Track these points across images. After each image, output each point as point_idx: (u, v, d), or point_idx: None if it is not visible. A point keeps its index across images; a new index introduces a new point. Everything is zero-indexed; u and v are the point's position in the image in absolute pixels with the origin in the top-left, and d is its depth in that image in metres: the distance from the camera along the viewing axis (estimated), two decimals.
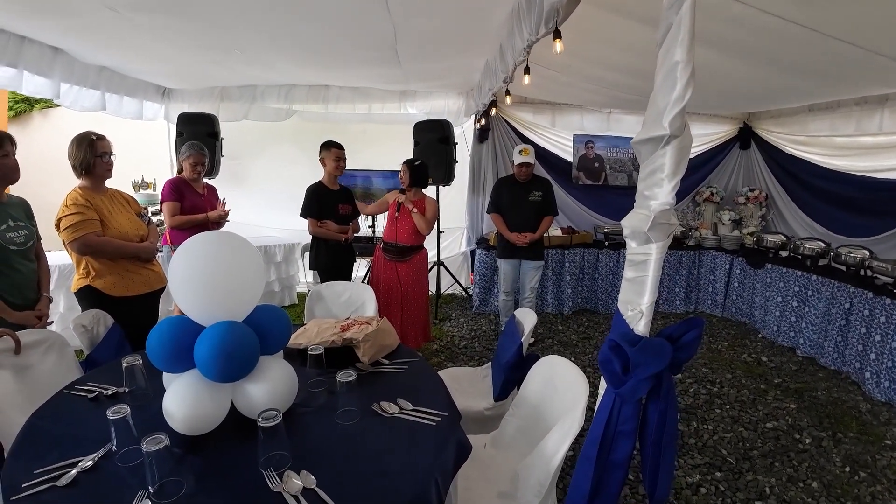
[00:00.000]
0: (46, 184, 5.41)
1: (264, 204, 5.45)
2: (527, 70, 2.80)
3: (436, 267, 5.00)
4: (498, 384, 2.17)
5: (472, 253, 5.17)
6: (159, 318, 2.48)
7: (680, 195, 5.57)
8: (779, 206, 5.22)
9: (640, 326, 1.24)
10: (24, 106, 6.30)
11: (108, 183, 2.54)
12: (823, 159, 4.63)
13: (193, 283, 1.43)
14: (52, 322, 2.35)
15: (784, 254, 4.42)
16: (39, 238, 2.29)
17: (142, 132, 5.62)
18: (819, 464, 2.55)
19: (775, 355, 3.97)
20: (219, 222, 3.38)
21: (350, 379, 1.46)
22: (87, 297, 2.39)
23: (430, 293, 5.06)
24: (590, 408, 1.41)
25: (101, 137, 2.42)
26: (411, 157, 3.77)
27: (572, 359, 3.72)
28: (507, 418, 1.88)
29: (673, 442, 1.31)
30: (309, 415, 1.54)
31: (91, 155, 2.36)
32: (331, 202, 3.44)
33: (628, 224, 1.35)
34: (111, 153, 2.43)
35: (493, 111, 4.57)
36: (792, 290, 4.09)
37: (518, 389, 2.00)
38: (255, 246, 4.89)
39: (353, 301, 2.83)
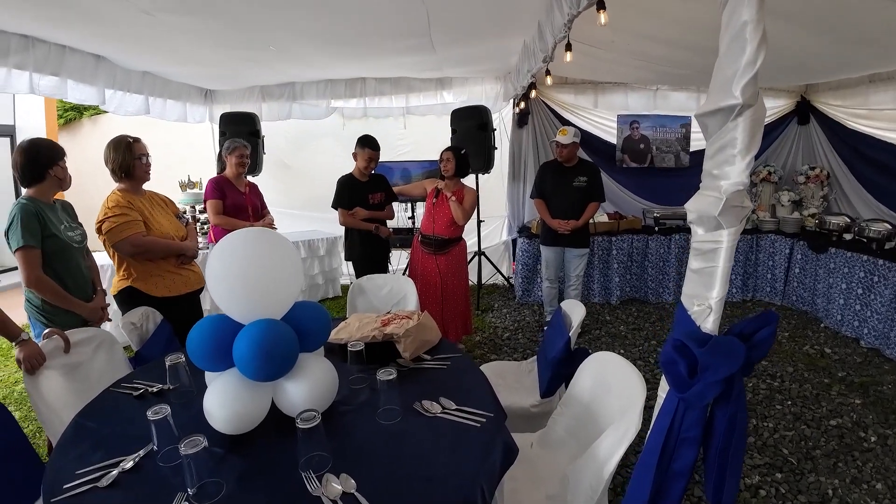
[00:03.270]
0: (98, 188, 5.69)
1: (307, 199, 5.53)
2: (568, 46, 2.64)
3: (476, 257, 4.92)
4: (545, 380, 2.08)
5: (514, 242, 5.04)
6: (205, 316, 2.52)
7: None
8: (842, 185, 4.78)
9: (709, 324, 1.11)
10: (73, 114, 6.64)
11: (147, 185, 2.56)
12: (888, 134, 4.19)
13: (231, 281, 1.41)
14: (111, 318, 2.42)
15: (848, 237, 4.05)
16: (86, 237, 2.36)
17: (187, 134, 5.81)
18: (884, 464, 2.34)
19: (839, 346, 3.66)
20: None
21: (390, 377, 1.41)
22: (128, 298, 2.40)
23: (472, 283, 5.00)
24: (646, 407, 1.30)
25: (137, 140, 2.43)
26: (450, 145, 3.65)
27: (621, 351, 3.59)
28: (556, 417, 1.78)
29: (741, 449, 1.18)
30: (350, 413, 1.51)
31: (130, 157, 2.37)
32: (361, 192, 3.45)
33: (694, 208, 1.21)
34: (148, 155, 2.45)
35: (533, 94, 4.40)
36: (856, 275, 3.74)
37: (566, 386, 1.90)
38: (300, 240, 4.94)
39: (395, 294, 2.80)
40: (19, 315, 2.10)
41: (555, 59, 2.99)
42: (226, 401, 1.38)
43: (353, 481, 1.16)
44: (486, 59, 4.14)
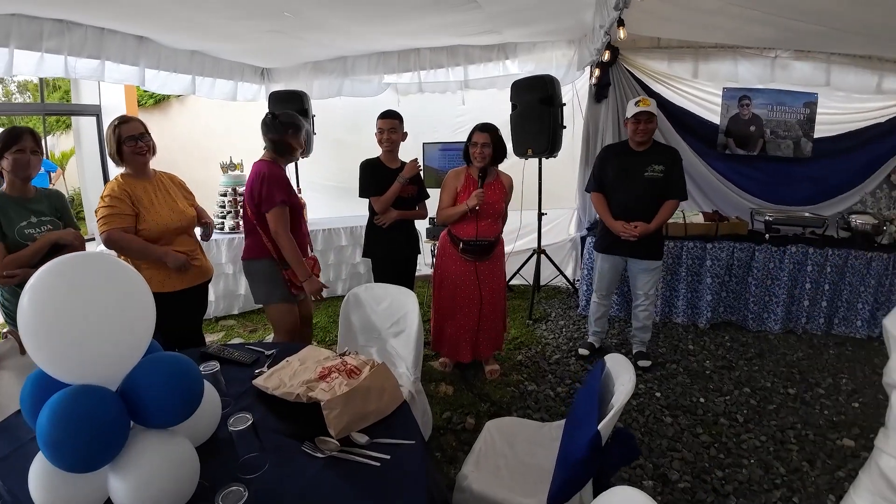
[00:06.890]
0: (188, 164, 5.84)
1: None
2: None
3: (535, 255, 4.24)
4: (556, 481, 1.39)
5: (583, 240, 4.26)
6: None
7: (865, 171, 3.94)
8: None
9: None
10: (162, 94, 6.96)
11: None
12: None
13: (44, 332, 1.00)
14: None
15: None
16: (76, 228, 2.20)
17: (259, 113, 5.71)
18: None
19: None
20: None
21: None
22: None
23: (526, 284, 4.35)
24: None
25: (126, 121, 2.19)
26: (483, 122, 2.78)
27: (702, 400, 2.74)
28: None
29: None
30: None
31: (115, 141, 2.16)
32: (390, 181, 2.84)
33: None
34: (140, 135, 2.18)
35: (606, 56, 3.54)
36: None
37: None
38: (340, 226, 4.44)
39: (395, 310, 2.29)
40: None
41: (629, 4, 2.24)
42: (41, 483, 1.01)
43: None
44: (551, 16, 3.37)
